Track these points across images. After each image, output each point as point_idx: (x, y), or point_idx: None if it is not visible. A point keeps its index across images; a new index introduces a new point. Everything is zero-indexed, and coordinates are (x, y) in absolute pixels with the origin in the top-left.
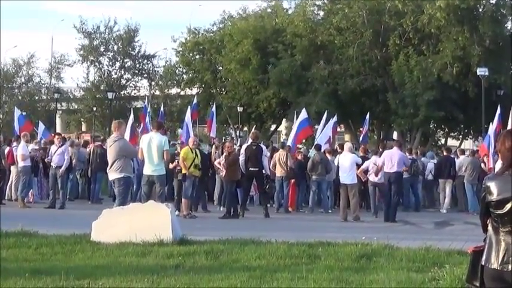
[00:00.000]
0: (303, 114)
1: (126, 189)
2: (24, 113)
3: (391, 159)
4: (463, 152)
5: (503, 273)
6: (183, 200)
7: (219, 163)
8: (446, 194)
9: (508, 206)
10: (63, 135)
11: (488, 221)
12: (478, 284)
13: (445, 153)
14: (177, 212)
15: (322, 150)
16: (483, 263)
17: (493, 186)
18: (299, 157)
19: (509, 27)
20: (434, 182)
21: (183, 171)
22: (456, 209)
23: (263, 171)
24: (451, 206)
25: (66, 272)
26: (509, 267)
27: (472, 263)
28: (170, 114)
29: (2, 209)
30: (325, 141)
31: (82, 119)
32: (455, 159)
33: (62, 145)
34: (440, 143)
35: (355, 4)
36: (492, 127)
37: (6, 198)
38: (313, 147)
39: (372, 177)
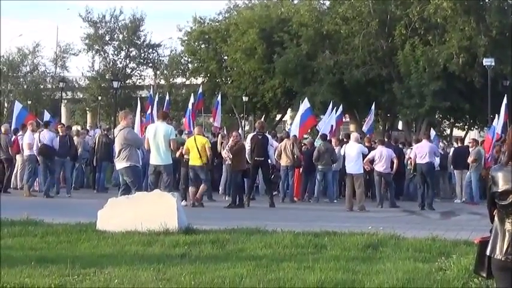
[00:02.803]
0: (305, 104)
1: (137, 178)
2: (26, 106)
3: (422, 151)
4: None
5: (509, 264)
6: (202, 186)
7: (225, 153)
8: (464, 185)
9: (511, 197)
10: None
11: (494, 211)
12: (485, 275)
13: (459, 144)
14: (183, 202)
15: (327, 140)
16: (489, 254)
17: (497, 177)
18: (308, 147)
19: None
20: (440, 172)
21: (203, 159)
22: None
23: (269, 160)
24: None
25: (72, 261)
26: None
27: (479, 254)
28: (175, 103)
29: (8, 198)
30: (327, 130)
31: (87, 108)
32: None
33: (65, 135)
34: (445, 133)
35: None
36: (500, 118)
37: (11, 187)
38: (318, 136)
39: (378, 167)
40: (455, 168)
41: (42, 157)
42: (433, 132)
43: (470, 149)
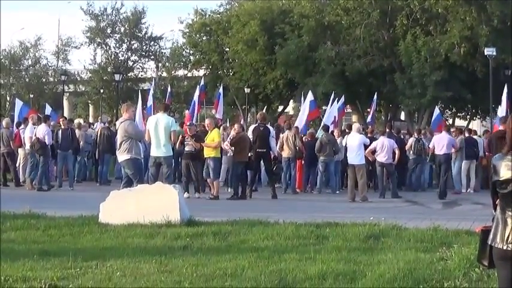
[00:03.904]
0: (310, 96)
1: (138, 170)
2: (29, 99)
3: (440, 142)
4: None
5: (510, 253)
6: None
7: (227, 145)
8: (472, 175)
9: (510, 186)
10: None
11: (497, 200)
12: (486, 263)
13: (467, 135)
14: (186, 194)
15: (329, 131)
16: (490, 243)
17: (498, 166)
18: (309, 138)
19: None
20: None
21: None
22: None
23: (270, 152)
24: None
25: (74, 254)
26: None
27: (481, 242)
28: (177, 95)
29: (10, 191)
30: (330, 122)
31: (89, 101)
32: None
33: (67, 128)
34: (448, 123)
35: None
36: (502, 108)
37: (13, 180)
38: (320, 128)
39: (380, 158)
40: (464, 159)
41: (34, 151)
42: (437, 111)
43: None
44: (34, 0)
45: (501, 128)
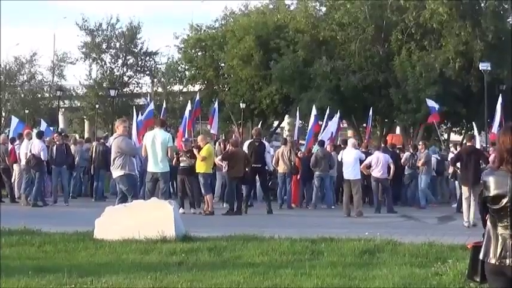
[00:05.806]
0: (313, 111)
1: (132, 186)
2: (24, 115)
3: None
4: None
5: (503, 268)
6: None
7: (220, 159)
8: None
9: (503, 201)
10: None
11: (487, 216)
12: (478, 279)
13: (458, 149)
14: (181, 210)
15: (325, 146)
16: (482, 258)
17: (489, 181)
18: (305, 153)
19: (511, 22)
20: (437, 177)
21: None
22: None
23: (266, 167)
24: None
25: (69, 270)
26: (507, 261)
27: (472, 259)
28: (173, 111)
29: (5, 207)
30: (327, 137)
31: (84, 117)
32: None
33: (62, 144)
34: (443, 138)
35: None
36: (496, 120)
37: (8, 196)
38: (316, 143)
39: (375, 173)
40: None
41: (30, 167)
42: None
43: (420, 152)
44: (31, 3)
45: (468, 144)
